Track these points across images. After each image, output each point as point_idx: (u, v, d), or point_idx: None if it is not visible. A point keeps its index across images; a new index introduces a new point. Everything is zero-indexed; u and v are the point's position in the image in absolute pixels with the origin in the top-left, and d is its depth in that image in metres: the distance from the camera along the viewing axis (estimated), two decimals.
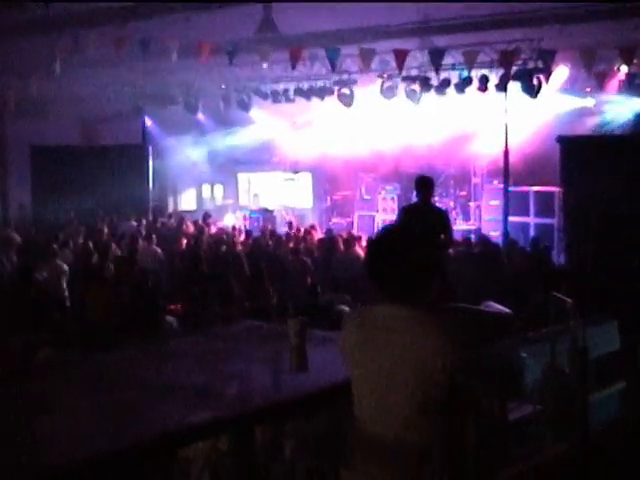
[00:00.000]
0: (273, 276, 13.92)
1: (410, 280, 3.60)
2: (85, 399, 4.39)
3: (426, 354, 3.48)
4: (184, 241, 18.24)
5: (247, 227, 21.71)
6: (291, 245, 17.08)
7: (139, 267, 13.90)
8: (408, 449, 3.53)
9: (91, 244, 17.05)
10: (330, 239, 17.13)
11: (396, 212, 21.89)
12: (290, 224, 21.16)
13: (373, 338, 3.64)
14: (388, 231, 3.81)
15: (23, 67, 15.50)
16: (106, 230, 20.00)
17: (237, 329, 6.17)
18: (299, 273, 14.61)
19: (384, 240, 3.74)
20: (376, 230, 22.07)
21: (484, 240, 16.59)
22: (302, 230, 19.69)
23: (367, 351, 3.67)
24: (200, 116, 24.35)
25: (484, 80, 18.11)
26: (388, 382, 3.57)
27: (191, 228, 20.64)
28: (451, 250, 13.20)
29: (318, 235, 18.76)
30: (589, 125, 20.15)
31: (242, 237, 18.75)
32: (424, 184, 11.13)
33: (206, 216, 21.78)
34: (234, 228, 21.19)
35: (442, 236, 10.77)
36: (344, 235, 17.86)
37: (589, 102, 20.26)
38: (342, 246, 16.07)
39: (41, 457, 3.55)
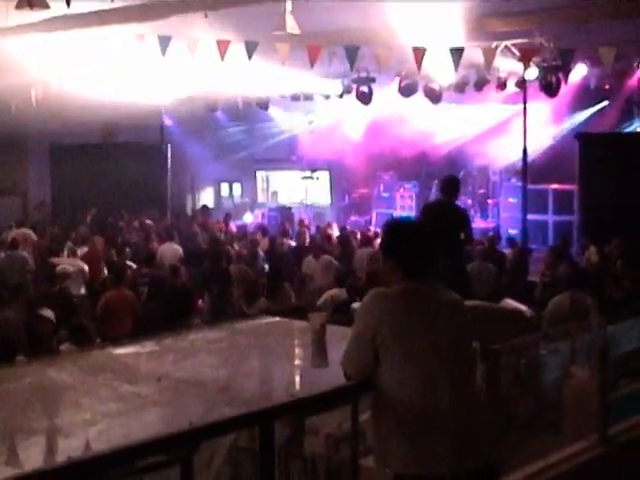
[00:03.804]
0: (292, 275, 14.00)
1: (430, 257, 4.19)
2: (105, 390, 4.42)
3: (468, 335, 4.15)
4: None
5: (265, 225, 21.71)
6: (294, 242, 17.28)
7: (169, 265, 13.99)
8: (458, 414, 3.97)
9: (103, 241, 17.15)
10: (344, 237, 17.15)
11: (414, 210, 21.88)
12: (301, 222, 21.18)
13: (425, 311, 4.09)
14: (404, 219, 4.23)
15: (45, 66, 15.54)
16: (125, 228, 20.09)
17: (258, 324, 6.18)
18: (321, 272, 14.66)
19: (407, 223, 4.43)
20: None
21: (510, 241, 16.63)
22: (311, 227, 19.92)
23: (421, 322, 4.06)
24: (219, 114, 24.42)
25: (502, 79, 18.10)
26: (440, 357, 4.00)
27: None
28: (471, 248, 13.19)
29: (334, 233, 18.79)
30: (608, 123, 20.08)
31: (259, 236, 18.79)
32: (452, 184, 11.13)
33: (227, 217, 21.87)
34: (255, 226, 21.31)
35: (462, 235, 10.77)
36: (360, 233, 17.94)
37: (607, 100, 20.20)
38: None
39: (63, 446, 3.58)
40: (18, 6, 9.61)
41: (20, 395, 4.45)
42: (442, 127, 21.67)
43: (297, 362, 4.98)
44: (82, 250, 15.87)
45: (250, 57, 13.56)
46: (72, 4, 9.97)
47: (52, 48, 14.19)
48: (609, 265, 13.62)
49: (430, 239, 4.29)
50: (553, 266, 13.03)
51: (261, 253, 16.47)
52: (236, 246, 17.21)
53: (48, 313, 10.50)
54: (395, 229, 4.37)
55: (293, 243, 18.09)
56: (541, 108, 18.60)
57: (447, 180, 11.33)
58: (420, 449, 4.00)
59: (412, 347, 4.04)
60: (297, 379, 4.72)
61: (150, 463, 3.80)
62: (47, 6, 9.58)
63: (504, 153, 21.05)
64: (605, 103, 20.26)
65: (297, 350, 5.19)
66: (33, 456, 3.61)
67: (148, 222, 20.79)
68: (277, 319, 6.30)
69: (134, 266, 14.50)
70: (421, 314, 4.11)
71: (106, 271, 14.63)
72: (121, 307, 11.63)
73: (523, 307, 8.45)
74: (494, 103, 20.07)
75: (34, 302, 11.07)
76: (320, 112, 24.00)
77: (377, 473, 4.14)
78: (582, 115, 20.44)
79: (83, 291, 13.78)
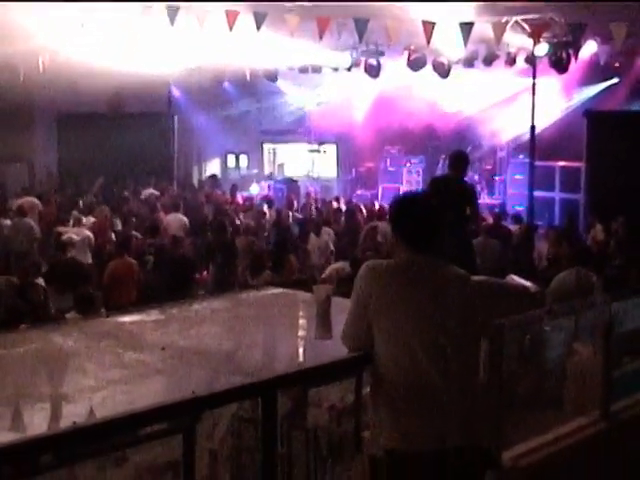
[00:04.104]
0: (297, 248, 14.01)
1: (435, 231, 4.22)
2: (109, 357, 4.43)
3: (472, 310, 4.15)
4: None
5: (271, 197, 21.69)
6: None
7: (171, 235, 14.01)
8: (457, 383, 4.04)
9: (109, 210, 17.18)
10: (350, 211, 17.13)
11: (420, 185, 21.86)
12: (308, 194, 21.15)
13: (418, 286, 4.10)
14: (411, 193, 4.28)
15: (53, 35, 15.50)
16: (130, 198, 20.10)
17: (263, 295, 6.19)
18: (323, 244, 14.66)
19: (413, 197, 4.46)
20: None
21: (516, 218, 16.60)
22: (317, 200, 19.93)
23: (411, 297, 4.07)
24: (226, 85, 24.35)
25: (511, 55, 18.02)
26: (437, 326, 4.04)
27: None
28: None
29: (342, 207, 18.77)
30: (617, 100, 19.99)
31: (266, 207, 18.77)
32: (461, 159, 11.06)
33: (234, 188, 21.87)
34: (262, 197, 21.32)
35: (468, 210, 10.73)
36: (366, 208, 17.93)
37: (616, 79, 20.09)
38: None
39: (67, 412, 3.60)
40: None
41: (25, 361, 4.47)
42: (450, 98, 21.54)
43: (301, 333, 4.99)
44: (88, 219, 15.89)
45: (259, 28, 13.51)
46: None
47: (60, 15, 14.14)
48: (616, 242, 13.62)
49: (435, 213, 4.29)
50: (558, 244, 13.02)
51: (267, 225, 16.49)
52: (242, 217, 17.21)
53: (41, 281, 10.57)
54: (400, 203, 4.39)
55: (299, 216, 18.08)
56: (550, 84, 18.49)
57: (456, 155, 11.27)
58: (407, 426, 4.05)
59: (399, 321, 4.07)
60: (301, 350, 4.72)
61: (153, 431, 3.82)
62: None
63: (512, 129, 20.97)
64: (615, 80, 20.14)
65: (301, 322, 5.20)
66: (37, 421, 3.63)
67: (154, 192, 20.76)
68: (282, 290, 6.31)
69: (139, 236, 14.52)
70: (416, 287, 4.12)
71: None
72: (125, 276, 11.68)
73: (528, 283, 8.45)
74: (503, 73, 19.92)
75: (28, 270, 11.14)
76: (328, 85, 23.92)
77: (372, 447, 4.18)
78: (591, 92, 20.33)
79: (89, 260, 13.79)
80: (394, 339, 4.06)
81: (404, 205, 4.34)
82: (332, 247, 14.57)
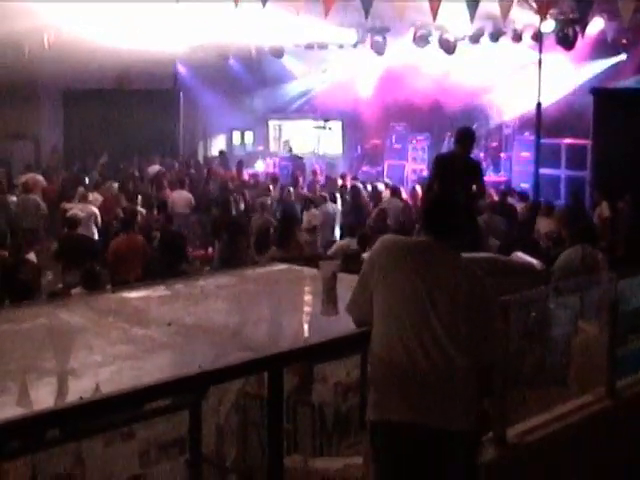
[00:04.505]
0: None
1: (460, 230, 4.35)
2: (116, 333, 4.44)
3: (474, 308, 4.10)
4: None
5: (277, 174, 21.66)
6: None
7: (166, 214, 14.00)
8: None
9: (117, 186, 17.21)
10: (355, 189, 17.09)
11: (426, 162, 21.82)
12: (315, 172, 21.15)
13: (426, 268, 4.13)
14: (443, 195, 4.74)
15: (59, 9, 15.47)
16: (137, 174, 20.09)
17: (268, 271, 6.20)
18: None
19: (445, 201, 4.48)
20: (405, 179, 22.09)
21: (522, 195, 16.57)
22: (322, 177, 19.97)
23: (416, 278, 4.09)
24: (232, 62, 24.29)
25: (518, 31, 17.96)
26: (424, 314, 4.03)
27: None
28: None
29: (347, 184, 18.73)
30: (624, 78, 19.89)
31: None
32: (467, 136, 11.01)
33: (240, 164, 21.85)
34: (267, 174, 21.33)
35: (474, 187, 10.71)
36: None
37: (624, 56, 20.00)
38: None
39: (74, 387, 3.61)
40: None
41: (32, 336, 4.48)
42: (456, 74, 21.40)
43: (307, 309, 5.00)
44: (93, 195, 15.88)
45: (264, 4, 13.44)
46: None
47: None
48: (622, 220, 13.60)
49: (461, 211, 4.47)
50: (563, 223, 12.98)
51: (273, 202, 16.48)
52: (247, 194, 17.18)
53: (32, 257, 10.58)
54: (432, 203, 4.60)
55: (306, 192, 18.06)
56: (557, 61, 18.40)
57: (462, 131, 11.21)
58: (381, 397, 4.11)
59: (395, 297, 4.11)
60: (307, 327, 4.73)
61: (159, 407, 3.84)
62: None
63: (518, 106, 20.89)
64: (622, 57, 20.04)
65: (307, 298, 5.21)
66: (44, 396, 3.64)
67: (160, 168, 20.73)
68: (287, 266, 6.31)
69: (143, 212, 14.54)
70: (424, 269, 4.14)
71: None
72: (130, 252, 11.67)
73: (534, 260, 8.44)
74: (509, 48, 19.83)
75: (21, 246, 11.16)
76: (334, 62, 23.85)
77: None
78: (598, 69, 20.22)
79: (95, 236, 13.80)
80: (387, 312, 4.11)
81: (435, 204, 4.51)
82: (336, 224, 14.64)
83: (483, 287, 4.20)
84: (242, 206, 15.87)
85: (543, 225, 13.51)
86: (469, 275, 4.21)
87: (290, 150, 25.06)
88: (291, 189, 17.24)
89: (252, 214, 14.69)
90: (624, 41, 19.18)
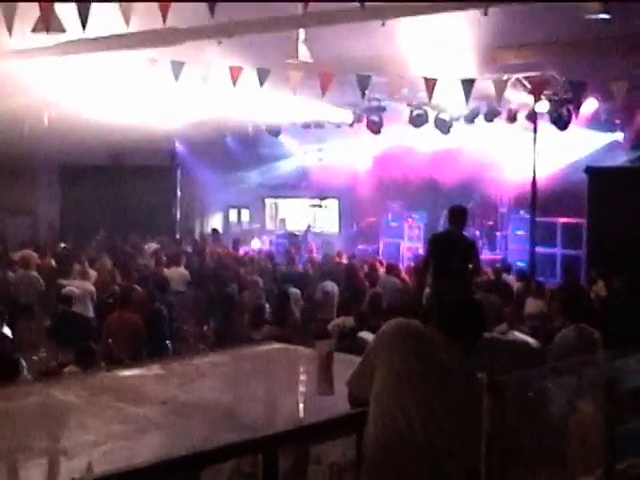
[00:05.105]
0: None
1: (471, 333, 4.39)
2: (109, 412, 4.40)
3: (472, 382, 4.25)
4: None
5: (272, 251, 21.71)
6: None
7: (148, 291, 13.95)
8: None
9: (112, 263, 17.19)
10: (351, 266, 17.10)
11: (422, 240, 21.89)
12: (310, 250, 21.20)
13: (429, 353, 4.20)
14: (470, 300, 4.71)
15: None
16: (132, 251, 20.11)
17: (264, 350, 6.17)
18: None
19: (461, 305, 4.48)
20: (401, 257, 22.13)
21: (519, 274, 16.56)
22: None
23: (421, 361, 4.15)
24: (229, 140, 24.51)
25: (512, 111, 18.14)
26: (442, 395, 4.10)
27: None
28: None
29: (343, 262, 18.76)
30: (618, 157, 20.05)
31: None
32: (459, 214, 11.14)
33: (236, 243, 21.91)
34: (260, 252, 21.35)
35: (470, 266, 10.77)
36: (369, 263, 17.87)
37: (618, 135, 20.18)
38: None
39: (66, 467, 3.57)
40: (35, 29, 9.67)
41: (24, 414, 4.44)
42: (452, 151, 21.54)
43: (302, 389, 4.97)
44: (90, 272, 15.87)
45: (262, 84, 13.61)
46: (87, 28, 10.02)
47: (65, 69, 14.28)
48: (618, 299, 13.58)
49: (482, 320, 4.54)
50: (555, 301, 12.96)
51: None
52: (242, 271, 17.19)
53: (7, 331, 10.51)
54: (452, 307, 4.55)
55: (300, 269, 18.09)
56: (551, 140, 18.56)
57: (454, 210, 11.34)
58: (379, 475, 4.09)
59: (395, 379, 4.14)
60: (302, 406, 4.70)
61: None
62: (63, 30, 9.63)
63: (513, 184, 21.02)
64: (616, 136, 20.23)
65: (302, 377, 5.18)
66: (34, 477, 3.60)
67: (155, 245, 20.76)
68: (283, 345, 6.29)
69: (139, 289, 14.50)
70: (429, 358, 4.20)
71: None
72: (125, 330, 11.62)
73: (530, 339, 8.44)
74: (503, 134, 20.04)
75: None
76: (330, 140, 24.07)
77: None
78: (592, 147, 20.39)
79: (91, 313, 13.76)
80: (387, 393, 4.11)
81: (455, 309, 4.48)
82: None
83: (478, 397, 4.29)
84: (236, 283, 15.85)
85: (532, 306, 13.52)
86: (470, 380, 4.29)
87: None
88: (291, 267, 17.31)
89: (246, 291, 14.67)
90: (617, 120, 19.39)
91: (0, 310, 11.81)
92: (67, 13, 9.55)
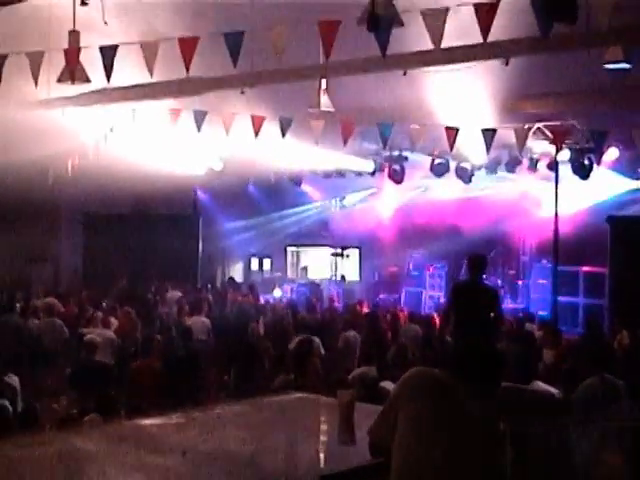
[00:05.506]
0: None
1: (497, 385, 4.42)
2: (130, 461, 4.38)
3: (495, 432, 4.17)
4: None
5: (294, 299, 21.67)
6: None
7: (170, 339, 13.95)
8: None
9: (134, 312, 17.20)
10: (373, 314, 17.02)
11: (443, 289, 21.83)
12: (331, 299, 21.16)
13: (451, 402, 4.17)
14: (491, 349, 4.56)
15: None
16: (155, 299, 20.15)
17: (285, 399, 6.15)
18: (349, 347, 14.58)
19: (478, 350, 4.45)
20: (423, 306, 22.05)
21: (542, 323, 16.42)
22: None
23: (443, 410, 4.13)
24: (251, 188, 24.65)
25: (534, 160, 18.16)
26: (464, 444, 4.05)
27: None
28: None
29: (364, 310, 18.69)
30: None
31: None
32: (479, 263, 11.14)
33: (252, 288, 21.87)
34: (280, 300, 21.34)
35: (492, 315, 10.72)
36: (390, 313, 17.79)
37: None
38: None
39: None
40: (60, 79, 9.80)
41: (43, 463, 4.43)
42: (474, 199, 21.54)
43: (323, 438, 4.94)
44: (112, 321, 15.89)
45: (284, 134, 13.71)
46: (111, 78, 10.15)
47: (89, 118, 14.45)
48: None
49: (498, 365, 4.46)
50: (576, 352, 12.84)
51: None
52: (261, 320, 17.16)
53: (13, 380, 10.48)
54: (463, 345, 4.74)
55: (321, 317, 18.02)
56: (572, 184, 18.52)
57: (474, 258, 11.34)
58: None
59: (416, 428, 4.10)
60: (322, 456, 4.67)
61: None
62: (88, 80, 9.75)
63: (535, 233, 20.98)
64: (638, 184, 20.15)
65: (324, 426, 5.16)
66: None
67: (177, 294, 20.79)
68: (304, 395, 6.27)
69: (159, 338, 14.49)
70: (444, 405, 4.16)
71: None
72: (147, 379, 11.62)
73: (553, 390, 8.35)
74: (525, 183, 20.05)
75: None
76: (352, 189, 24.14)
77: None
78: (613, 196, 20.32)
79: (112, 361, 13.75)
80: (408, 442, 4.07)
81: (476, 358, 4.44)
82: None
83: (501, 447, 4.22)
84: (260, 331, 15.82)
85: (548, 357, 13.40)
86: (492, 429, 4.23)
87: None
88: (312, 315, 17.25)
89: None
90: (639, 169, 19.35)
91: (10, 359, 11.79)
92: (92, 63, 9.69)
